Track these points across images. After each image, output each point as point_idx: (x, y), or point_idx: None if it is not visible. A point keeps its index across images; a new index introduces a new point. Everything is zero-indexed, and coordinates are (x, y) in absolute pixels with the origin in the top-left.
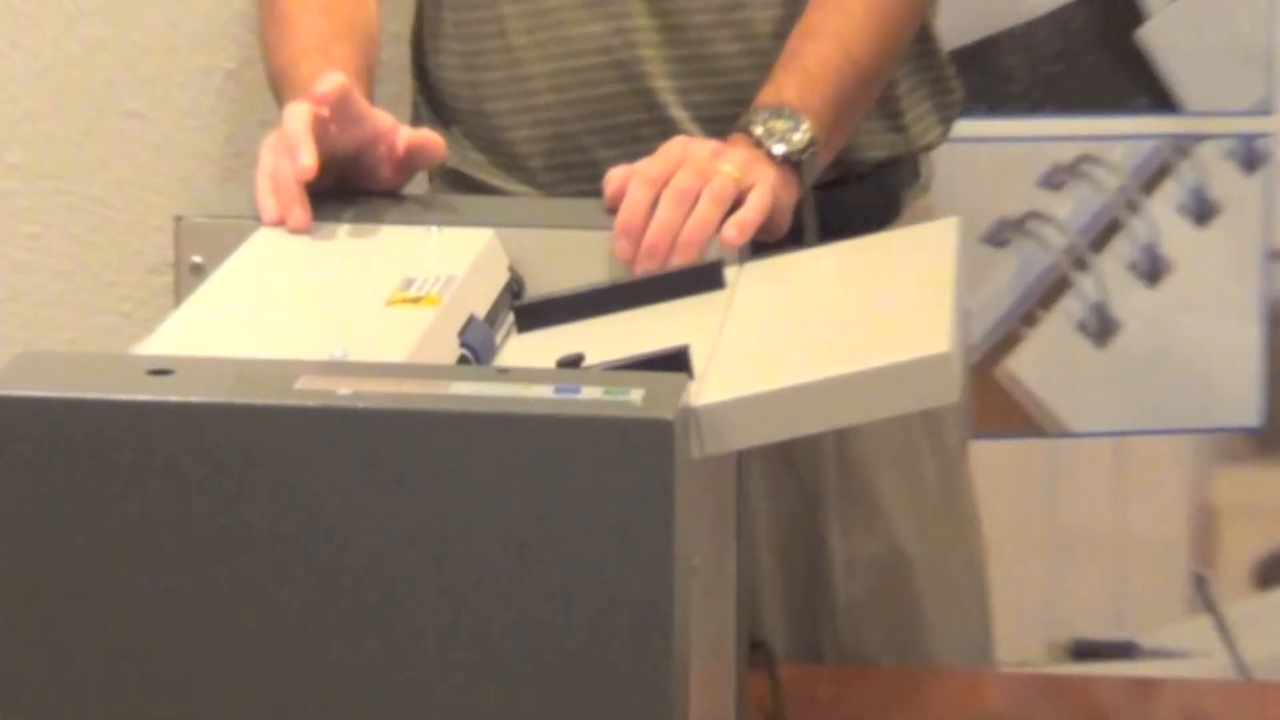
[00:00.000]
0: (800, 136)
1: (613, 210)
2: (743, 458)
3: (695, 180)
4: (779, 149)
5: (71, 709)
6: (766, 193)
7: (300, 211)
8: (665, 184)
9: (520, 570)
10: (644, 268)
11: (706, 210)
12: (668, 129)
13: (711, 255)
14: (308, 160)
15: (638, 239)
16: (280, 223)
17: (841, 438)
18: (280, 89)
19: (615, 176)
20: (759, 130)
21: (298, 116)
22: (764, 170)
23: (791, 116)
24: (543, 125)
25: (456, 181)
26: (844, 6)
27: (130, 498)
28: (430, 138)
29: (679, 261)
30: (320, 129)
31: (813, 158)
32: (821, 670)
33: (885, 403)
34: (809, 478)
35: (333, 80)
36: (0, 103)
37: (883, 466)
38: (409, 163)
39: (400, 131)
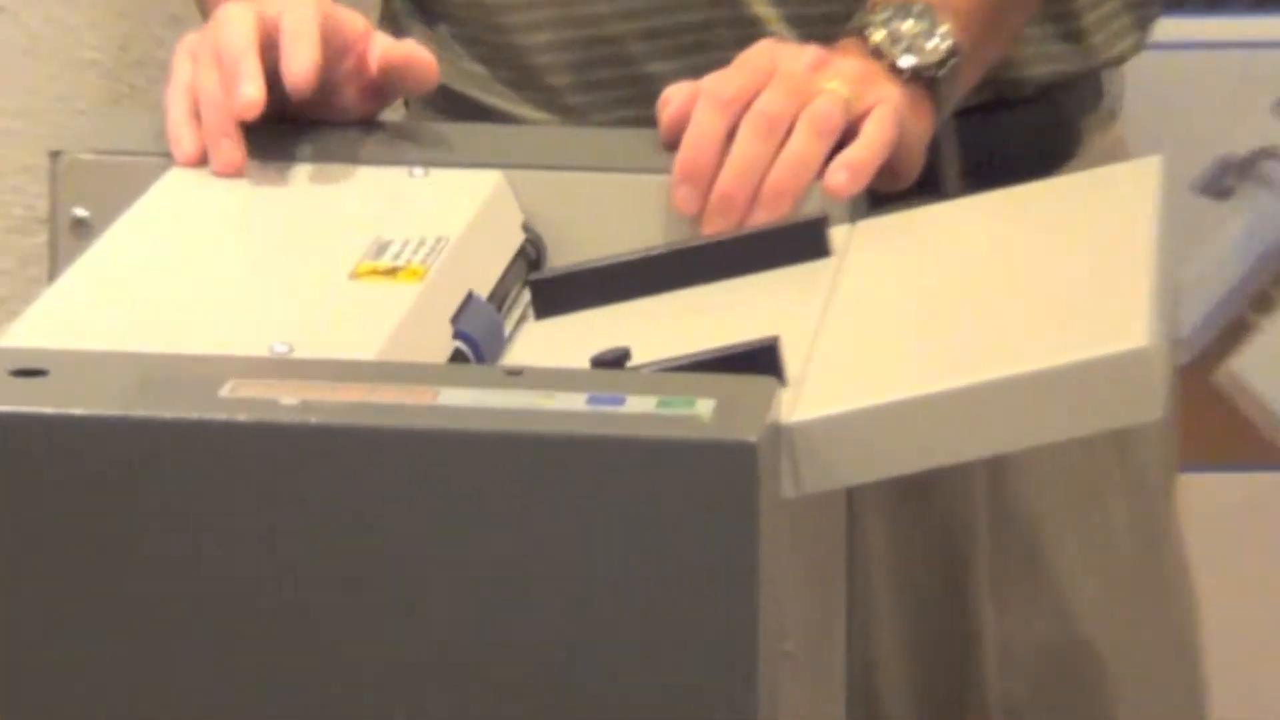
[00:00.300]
0: (937, 43)
1: (671, 145)
2: (855, 497)
3: (789, 102)
4: (907, 60)
5: None
6: (889, 122)
7: (230, 146)
8: (746, 107)
9: (535, 648)
10: (715, 226)
11: (805, 145)
12: (749, 32)
13: (811, 209)
14: (252, 91)
15: (706, 185)
16: (200, 161)
17: (997, 472)
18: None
19: (675, 96)
20: (879, 35)
21: (239, 25)
22: (886, 90)
23: (925, 16)
24: (572, 25)
25: (448, 103)
26: None
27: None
28: (415, 54)
29: (765, 217)
30: (266, 42)
31: (954, 74)
32: None
33: (1059, 421)
34: (951, 527)
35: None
36: None
37: (1055, 512)
38: (383, 87)
39: (374, 41)
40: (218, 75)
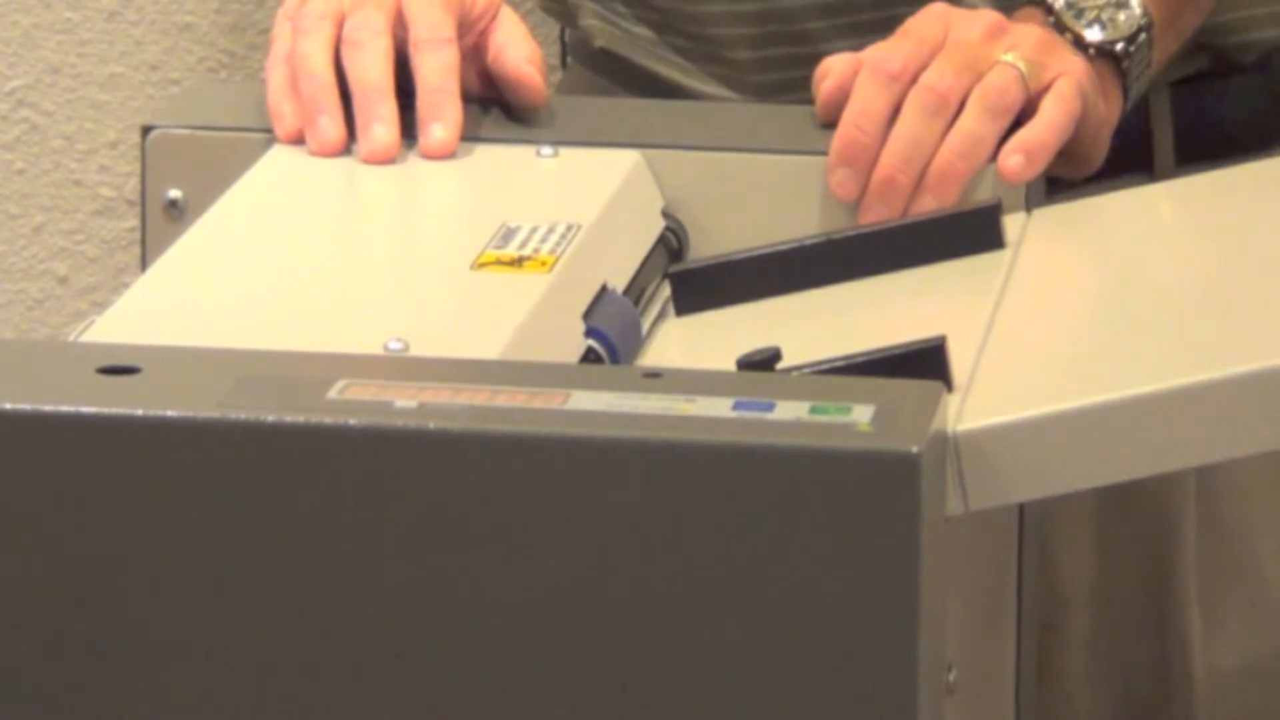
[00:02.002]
0: (1129, 16)
1: (829, 122)
2: (1028, 513)
3: (960, 76)
4: (1094, 33)
5: None
6: (1072, 99)
7: (329, 124)
8: (913, 80)
9: (673, 669)
10: (876, 213)
11: (977, 123)
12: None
13: (983, 195)
14: (384, 135)
15: (866, 167)
16: (300, 138)
17: (1205, 482)
18: None
19: (836, 67)
20: (1062, 2)
21: (420, 9)
22: (1069, 62)
23: None
24: (731, 31)
25: (611, 67)
26: None
27: (68, 534)
28: (525, 74)
29: (931, 204)
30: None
31: (1146, 47)
32: None
33: (1263, 429)
34: (1157, 540)
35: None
36: None
37: (1270, 523)
38: (498, 79)
39: (498, 28)
40: (318, 43)
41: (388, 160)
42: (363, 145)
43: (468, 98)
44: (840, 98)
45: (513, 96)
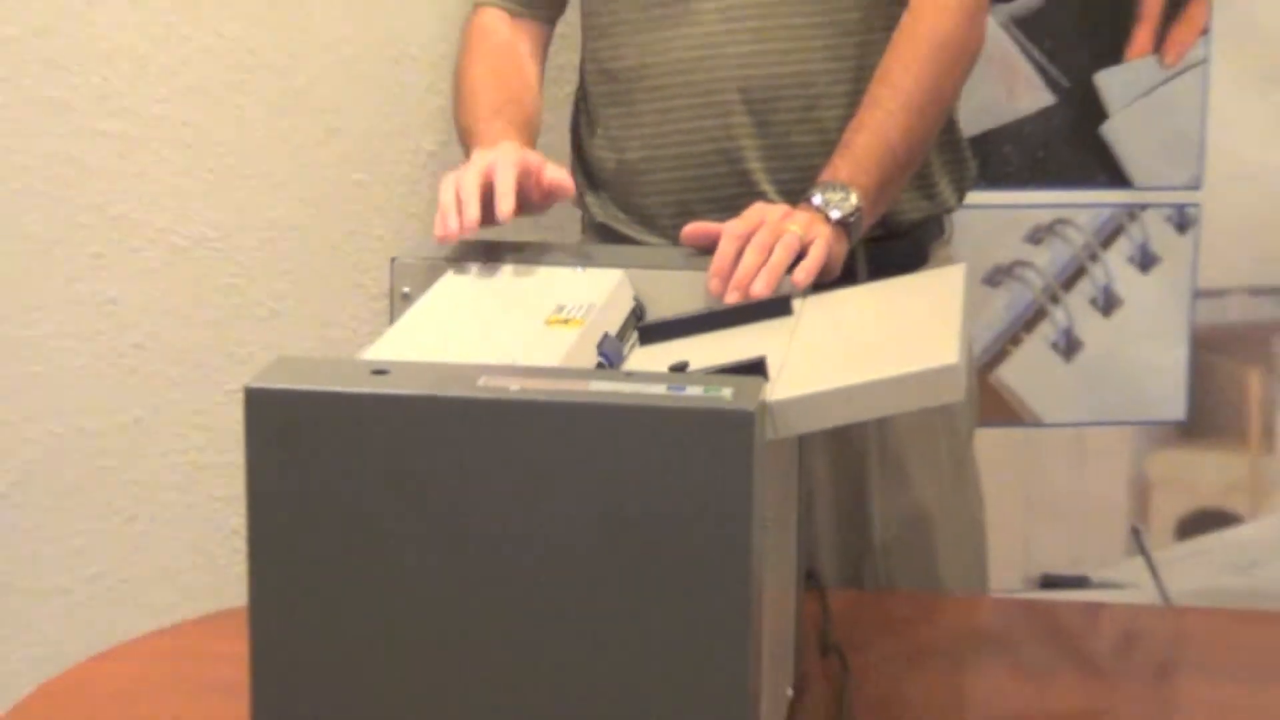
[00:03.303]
0: (849, 205)
1: (695, 251)
2: (804, 439)
3: (770, 236)
4: (834, 214)
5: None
6: (823, 246)
7: (476, 215)
8: (748, 239)
9: (641, 518)
10: (731, 299)
11: (779, 258)
12: (757, 199)
13: (783, 291)
14: (506, 213)
15: (727, 278)
16: (461, 231)
17: (880, 424)
18: (467, 141)
19: (695, 226)
20: (819, 199)
21: (506, 173)
22: (822, 229)
23: (843, 189)
24: (668, 194)
25: (604, 233)
26: (886, 108)
27: (356, 464)
28: (563, 179)
29: (759, 294)
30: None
31: (859, 221)
32: (862, 595)
33: (909, 400)
34: (856, 454)
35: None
36: (268, 174)
37: (910, 446)
38: (550, 193)
39: (546, 168)
40: (474, 176)
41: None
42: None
43: (535, 212)
44: (695, 237)
45: (560, 194)
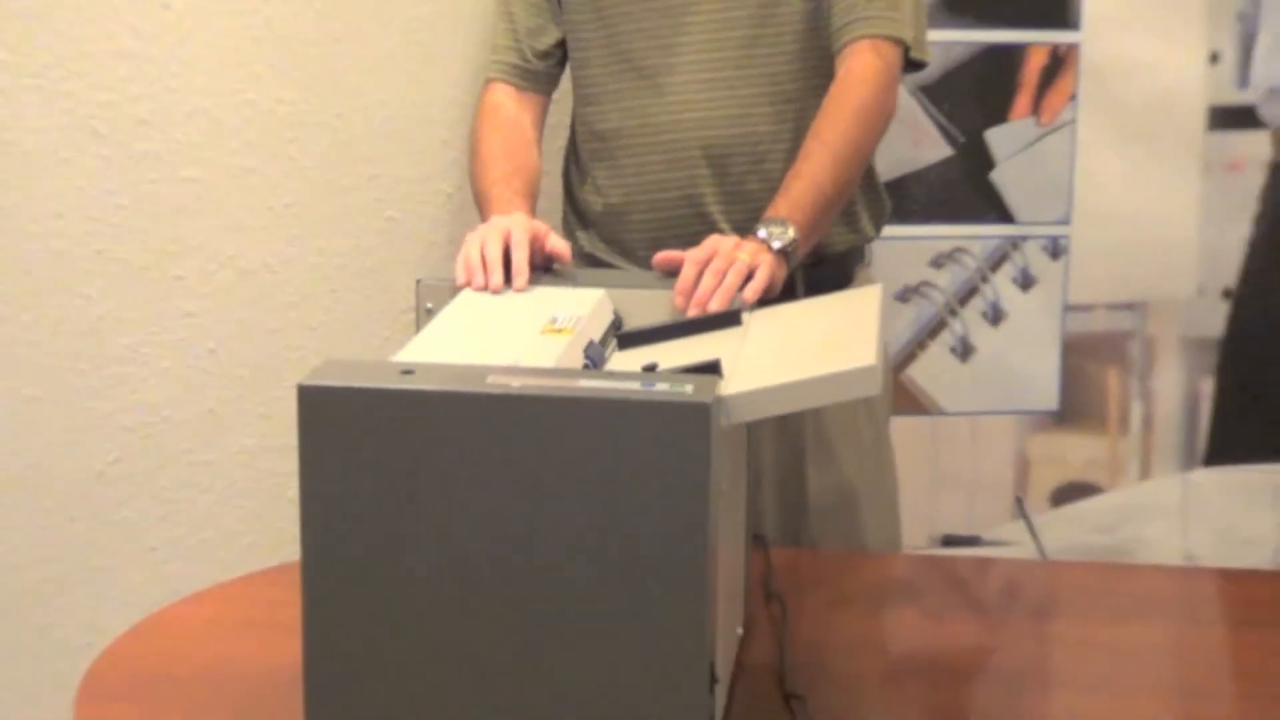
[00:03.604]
0: (788, 237)
1: (664, 275)
2: (752, 426)
3: (724, 263)
4: (776, 244)
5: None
6: (767, 271)
7: (495, 282)
8: (707, 264)
9: (620, 490)
10: (693, 313)
11: (731, 280)
12: (711, 233)
13: (735, 306)
14: (521, 281)
15: (690, 296)
16: (485, 287)
17: (813, 413)
18: (482, 204)
19: (663, 254)
20: (763, 233)
21: (521, 242)
22: (766, 257)
23: (783, 224)
24: (644, 231)
25: (591, 260)
26: (819, 160)
27: (387, 446)
28: (562, 248)
29: (715, 309)
30: (508, 242)
31: (795, 250)
32: (799, 552)
33: (836, 393)
34: (794, 438)
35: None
36: (318, 212)
37: (838, 431)
38: (550, 258)
39: (550, 236)
40: (495, 244)
41: (509, 291)
42: (511, 285)
43: (539, 267)
44: (665, 263)
45: (557, 256)
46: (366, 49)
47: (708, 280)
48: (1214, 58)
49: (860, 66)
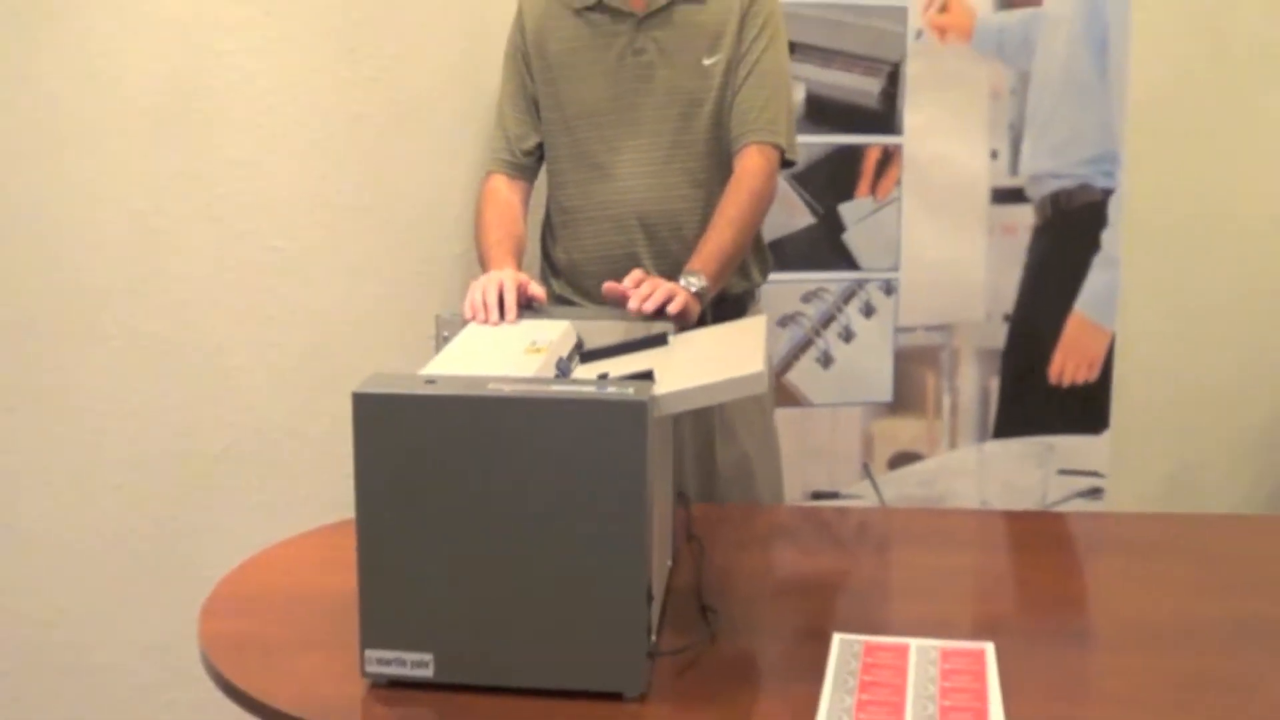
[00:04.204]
0: (700, 283)
1: (609, 309)
2: (677, 416)
3: (653, 285)
4: (692, 288)
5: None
6: (684, 297)
7: (498, 317)
8: (640, 284)
9: (583, 464)
10: (634, 307)
11: (659, 294)
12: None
13: (661, 331)
14: (512, 317)
15: (636, 297)
16: (486, 321)
17: (720, 405)
18: (483, 261)
19: (608, 285)
20: (682, 281)
21: (511, 289)
22: (684, 295)
23: (697, 275)
24: (598, 278)
25: (561, 300)
26: (723, 229)
27: (418, 435)
28: (540, 293)
29: (649, 308)
30: (501, 290)
31: (705, 292)
32: (710, 506)
33: (735, 392)
34: (706, 423)
35: (533, 290)
36: (364, 269)
37: (738, 418)
38: (532, 299)
39: (531, 284)
40: (495, 291)
41: (503, 324)
42: (502, 320)
43: (521, 306)
44: (612, 292)
45: (536, 299)
46: (407, 154)
47: (644, 288)
48: (994, 154)
49: (751, 164)
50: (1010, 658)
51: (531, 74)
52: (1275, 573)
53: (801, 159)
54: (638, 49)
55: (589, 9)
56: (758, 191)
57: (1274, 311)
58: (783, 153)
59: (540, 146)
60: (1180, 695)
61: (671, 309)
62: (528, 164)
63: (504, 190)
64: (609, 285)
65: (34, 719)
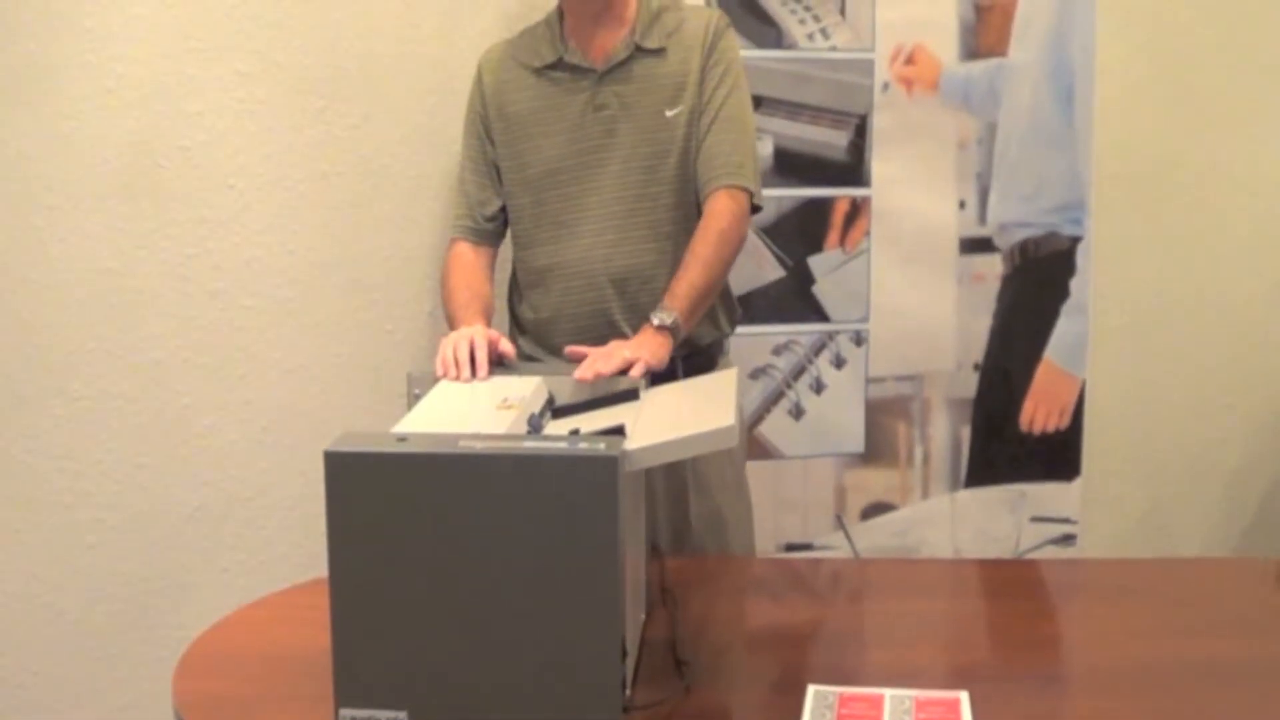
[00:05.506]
0: (671, 318)
1: (575, 365)
2: (649, 470)
3: (606, 356)
4: (665, 323)
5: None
6: (643, 363)
7: (466, 374)
8: (607, 357)
9: (555, 518)
10: (579, 375)
11: (613, 365)
12: (619, 337)
13: (632, 387)
14: (483, 374)
15: (586, 364)
16: (457, 378)
17: (692, 458)
18: (451, 321)
19: (571, 348)
20: (655, 319)
21: (481, 345)
22: (658, 342)
23: (669, 311)
24: (567, 338)
25: (529, 358)
26: (694, 268)
27: (389, 490)
28: (509, 349)
29: (602, 369)
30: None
31: (677, 327)
32: (683, 559)
33: (706, 445)
34: (679, 476)
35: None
36: (336, 332)
37: (710, 471)
38: (501, 355)
39: (501, 341)
40: (466, 348)
41: (474, 380)
42: (475, 376)
43: (491, 362)
44: (576, 354)
45: (505, 354)
46: (377, 214)
47: (594, 356)
48: (962, 204)
49: (721, 206)
50: (985, 705)
51: (491, 138)
52: (1243, 614)
53: (770, 212)
54: (599, 104)
55: (549, 67)
56: (726, 231)
57: (1242, 356)
58: (751, 196)
59: (503, 210)
60: None
61: (633, 374)
62: (491, 229)
63: (469, 254)
64: (571, 349)
65: None
